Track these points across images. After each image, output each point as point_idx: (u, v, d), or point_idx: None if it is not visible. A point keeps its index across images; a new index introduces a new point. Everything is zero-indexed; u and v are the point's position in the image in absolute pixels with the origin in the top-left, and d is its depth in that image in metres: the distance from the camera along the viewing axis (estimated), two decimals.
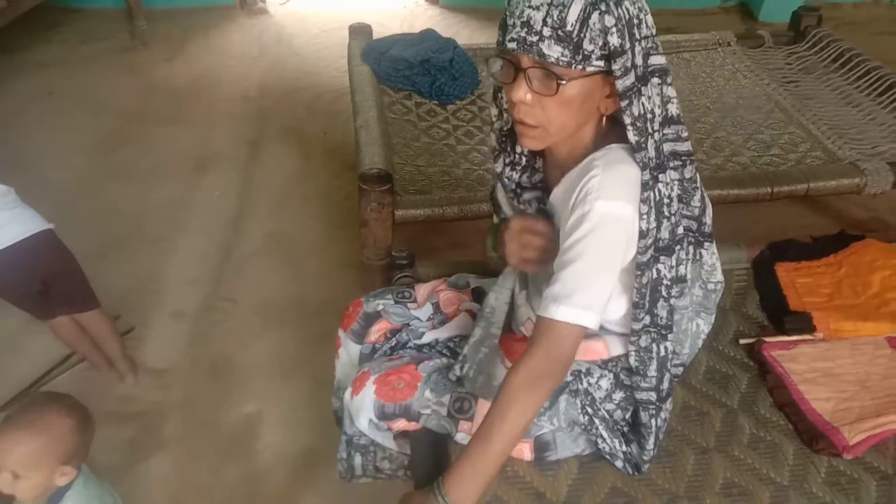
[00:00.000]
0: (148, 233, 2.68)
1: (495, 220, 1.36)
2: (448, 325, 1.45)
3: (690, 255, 1.22)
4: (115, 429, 1.98)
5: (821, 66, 2.73)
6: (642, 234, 1.11)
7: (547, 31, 1.01)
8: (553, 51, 1.01)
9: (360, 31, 2.81)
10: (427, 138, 2.35)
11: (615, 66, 1.03)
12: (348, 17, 4.17)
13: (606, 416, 1.29)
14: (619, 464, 1.31)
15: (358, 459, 1.47)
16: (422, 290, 1.53)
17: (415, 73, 2.51)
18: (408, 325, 1.48)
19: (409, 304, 1.50)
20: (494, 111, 1.23)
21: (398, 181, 2.08)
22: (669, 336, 1.21)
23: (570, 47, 1.01)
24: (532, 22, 1.01)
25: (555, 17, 1.00)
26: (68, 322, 1.98)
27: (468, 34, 4.08)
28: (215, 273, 2.53)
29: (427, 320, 1.48)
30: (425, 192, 2.11)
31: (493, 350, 1.29)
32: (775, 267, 1.75)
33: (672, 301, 1.20)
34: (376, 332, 1.49)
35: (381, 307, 1.50)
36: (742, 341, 1.59)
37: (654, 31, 1.07)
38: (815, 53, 2.78)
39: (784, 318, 1.61)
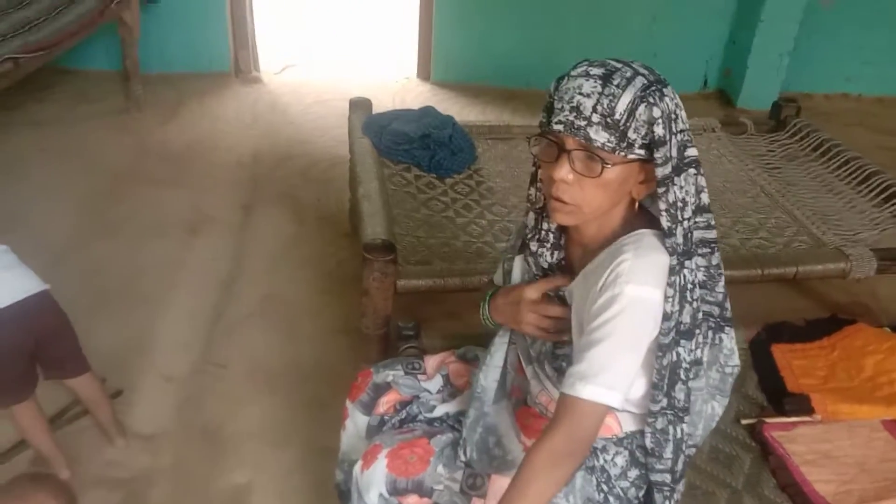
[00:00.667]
0: (139, 293, 2.66)
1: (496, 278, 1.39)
2: (459, 399, 1.45)
3: (709, 339, 1.26)
4: (102, 494, 1.92)
5: (802, 154, 2.85)
6: (666, 317, 1.14)
7: (596, 118, 1.07)
8: (600, 136, 1.08)
9: (360, 105, 2.88)
10: (427, 210, 2.40)
11: (657, 155, 1.10)
12: (342, 88, 4.34)
13: (621, 493, 1.29)
14: None
15: None
16: (431, 362, 1.54)
17: (414, 147, 2.58)
18: (418, 397, 1.48)
19: (419, 376, 1.51)
20: (532, 192, 1.27)
21: (400, 251, 2.10)
22: (686, 418, 1.24)
23: (617, 134, 1.07)
24: (582, 108, 1.08)
25: (605, 106, 1.06)
26: (32, 412, 1.88)
27: (457, 110, 4.20)
28: (206, 336, 2.51)
29: (437, 392, 1.49)
30: (426, 262, 2.14)
31: (490, 429, 1.31)
32: (771, 348, 1.79)
33: (690, 384, 1.22)
34: (385, 403, 1.48)
35: (391, 378, 1.50)
36: (743, 422, 1.62)
37: (688, 126, 1.14)
38: (797, 142, 2.92)
39: (783, 399, 1.64)
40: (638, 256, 1.13)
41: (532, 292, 1.28)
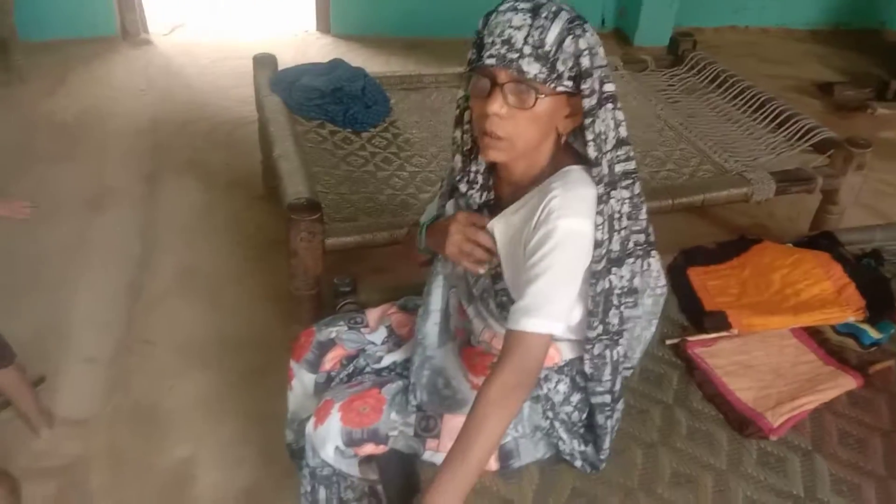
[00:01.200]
0: (48, 277, 2.53)
1: (424, 218, 1.41)
2: (405, 347, 1.47)
3: (640, 267, 1.32)
4: (36, 486, 1.85)
5: (700, 87, 2.98)
6: (597, 245, 1.19)
7: (528, 50, 1.09)
8: (532, 67, 1.10)
9: (264, 62, 2.80)
10: (346, 166, 2.38)
11: (584, 87, 1.13)
12: (238, 47, 4.18)
13: (566, 418, 1.36)
14: (577, 464, 1.38)
15: (322, 493, 1.45)
16: (373, 315, 1.56)
17: (327, 101, 2.54)
18: (363, 350, 1.50)
19: (362, 329, 1.52)
20: (458, 134, 1.28)
21: (324, 210, 2.08)
22: (620, 341, 1.31)
23: (547, 66, 1.10)
24: (513, 40, 1.09)
25: (535, 37, 1.08)
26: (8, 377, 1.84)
27: (361, 62, 4.06)
28: (126, 314, 2.42)
29: (382, 344, 1.51)
30: (352, 219, 2.13)
31: (437, 371, 1.35)
32: (688, 272, 1.90)
33: (623, 310, 1.29)
34: (331, 359, 1.49)
35: (334, 334, 1.51)
36: (668, 342, 1.72)
37: (606, 62, 1.18)
38: (694, 75, 3.04)
39: (702, 318, 1.75)
40: (567, 191, 1.17)
41: (461, 216, 1.29)
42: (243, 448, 1.99)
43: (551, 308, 1.15)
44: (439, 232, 1.32)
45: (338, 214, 2.13)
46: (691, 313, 1.80)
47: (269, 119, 2.47)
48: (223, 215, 2.89)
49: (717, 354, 1.68)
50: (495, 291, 1.31)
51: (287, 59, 3.81)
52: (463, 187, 1.33)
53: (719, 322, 1.74)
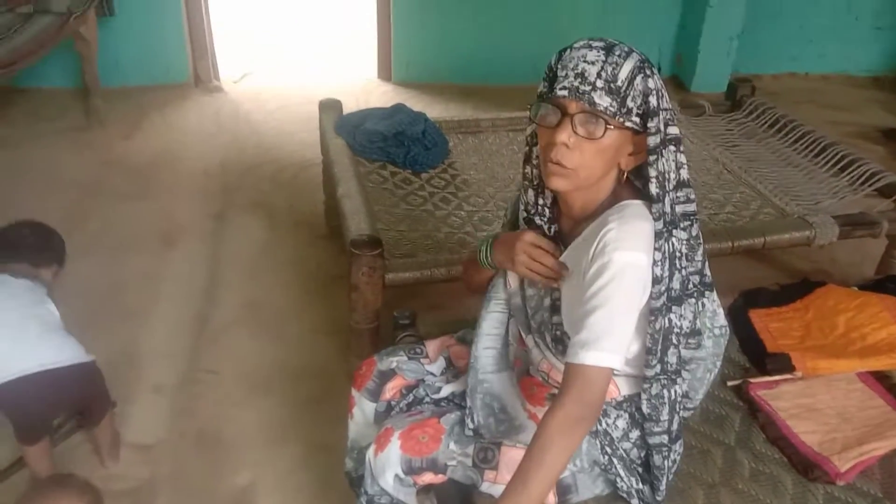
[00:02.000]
0: (122, 308, 2.64)
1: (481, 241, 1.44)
2: (462, 378, 1.50)
3: (698, 308, 1.33)
4: None
5: (760, 131, 2.98)
6: (656, 280, 1.21)
7: (600, 83, 1.14)
8: (603, 100, 1.14)
9: (330, 106, 2.92)
10: (406, 205, 2.44)
11: (650, 125, 1.17)
12: (303, 93, 4.35)
13: (624, 454, 1.36)
14: (634, 502, 1.37)
15: None
16: (432, 346, 1.59)
17: (389, 144, 2.63)
18: (423, 380, 1.53)
19: (422, 360, 1.56)
20: (528, 170, 1.33)
21: (385, 246, 2.14)
22: (678, 380, 1.31)
23: (618, 100, 1.15)
24: (587, 74, 1.14)
25: (608, 72, 1.14)
26: (42, 448, 1.89)
27: (421, 108, 4.22)
28: (193, 345, 2.51)
29: (441, 375, 1.54)
30: (411, 255, 2.19)
31: (492, 396, 1.38)
32: (749, 313, 1.88)
33: (682, 350, 1.30)
34: (391, 389, 1.53)
35: (395, 364, 1.54)
36: (729, 383, 1.70)
37: (671, 105, 1.22)
38: (753, 120, 3.04)
39: (765, 359, 1.73)
40: (622, 224, 1.20)
41: (529, 236, 1.33)
42: (302, 475, 2.03)
43: (610, 340, 1.17)
44: (506, 245, 1.35)
45: (397, 251, 2.18)
46: (753, 355, 1.78)
47: (333, 160, 2.57)
48: (286, 252, 2.99)
49: (781, 397, 1.65)
50: (552, 325, 1.34)
51: (350, 105, 3.94)
52: (537, 220, 1.37)
53: (783, 364, 1.71)
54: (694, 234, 1.29)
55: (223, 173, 3.63)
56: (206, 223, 3.21)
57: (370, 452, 1.40)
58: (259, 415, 2.24)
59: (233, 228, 3.18)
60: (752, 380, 1.69)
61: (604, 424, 1.36)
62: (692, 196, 1.27)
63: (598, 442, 1.36)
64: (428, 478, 1.36)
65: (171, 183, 3.52)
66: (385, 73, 4.61)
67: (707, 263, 1.35)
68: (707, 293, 1.36)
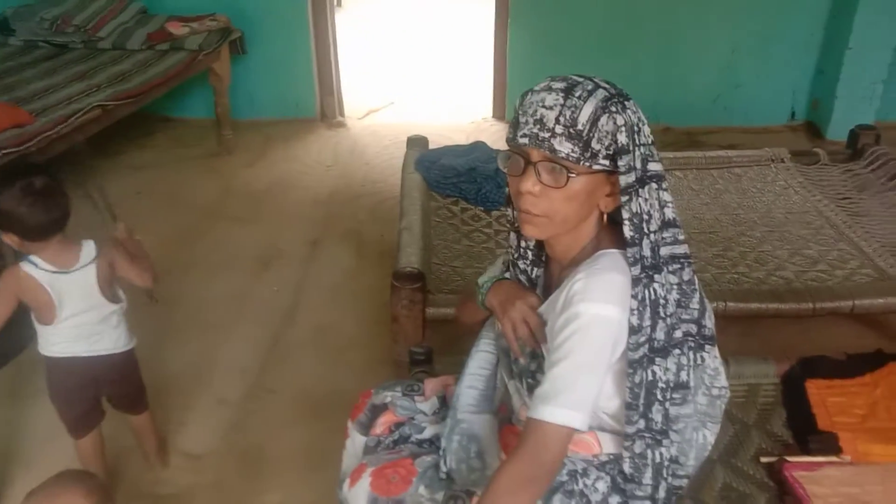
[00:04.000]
0: (207, 322, 2.82)
1: (484, 279, 1.39)
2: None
3: (691, 361, 1.21)
4: None
5: (877, 184, 2.68)
6: (633, 331, 1.12)
7: (559, 129, 1.09)
8: (564, 147, 1.09)
9: (416, 142, 2.98)
10: (468, 241, 2.43)
11: (621, 163, 1.10)
12: (417, 129, 4.42)
13: None
14: None
15: None
16: (430, 385, 1.56)
17: (462, 180, 2.64)
18: (412, 418, 1.50)
19: (416, 398, 1.53)
20: (510, 212, 1.28)
21: (433, 281, 2.15)
22: (664, 441, 1.20)
23: (580, 145, 1.09)
24: (545, 120, 1.10)
25: (567, 117, 1.08)
26: (93, 443, 2.00)
27: None
28: (262, 362, 2.62)
29: (432, 414, 1.50)
30: (459, 292, 2.16)
31: (470, 437, 1.31)
32: (806, 384, 1.68)
33: (668, 406, 1.18)
34: (381, 424, 1.51)
35: (388, 399, 1.53)
36: (763, 459, 1.52)
37: (651, 140, 1.14)
38: (872, 171, 2.75)
39: (809, 437, 1.53)
40: (591, 275, 1.13)
41: (534, 299, 1.28)
42: (329, 503, 2.04)
43: (570, 396, 1.09)
44: (504, 294, 1.30)
45: (446, 286, 2.18)
46: (799, 430, 1.59)
47: (405, 194, 2.62)
48: (365, 282, 3.06)
49: (821, 482, 1.45)
50: (530, 372, 1.27)
51: (458, 141, 4.04)
52: (521, 263, 1.32)
53: (828, 444, 1.52)
54: (686, 278, 1.18)
55: (329, 203, 3.80)
56: (302, 249, 3.36)
57: (345, 486, 1.39)
58: (305, 438, 2.29)
59: (325, 255, 3.31)
60: (789, 458, 1.50)
61: (580, 484, 1.26)
62: (681, 236, 1.18)
63: (573, 503, 1.26)
64: None
65: (281, 209, 3.73)
66: (499, 111, 4.65)
67: (709, 313, 1.23)
68: (707, 347, 1.23)
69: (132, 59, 3.50)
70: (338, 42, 4.64)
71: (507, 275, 1.38)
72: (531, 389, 1.27)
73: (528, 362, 1.27)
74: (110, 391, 2.00)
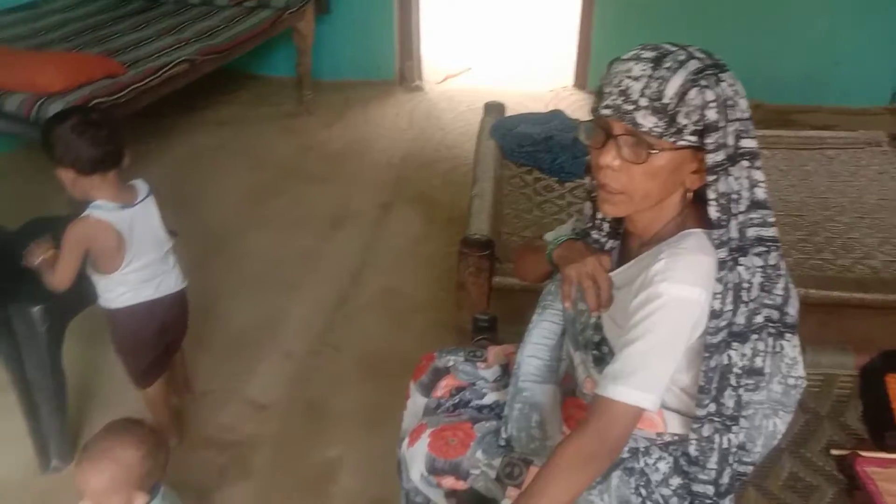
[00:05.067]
0: (278, 278, 2.89)
1: (553, 235, 1.36)
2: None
3: (769, 347, 1.16)
4: (211, 454, 2.11)
5: None
6: (714, 315, 1.08)
7: (644, 102, 1.04)
8: (647, 121, 1.04)
9: (493, 109, 2.94)
10: (539, 212, 2.40)
11: (708, 141, 1.05)
12: (495, 96, 4.36)
13: (661, 500, 1.23)
14: None
15: None
16: (493, 352, 1.55)
17: (538, 149, 2.59)
18: (473, 384, 1.50)
19: (478, 364, 1.53)
20: (588, 180, 1.25)
21: (501, 249, 2.12)
22: (734, 428, 1.16)
23: (665, 119, 1.04)
24: (629, 91, 1.05)
25: (653, 89, 1.03)
26: (161, 392, 2.06)
27: None
28: (328, 320, 2.68)
29: (493, 381, 1.50)
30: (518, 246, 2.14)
31: (532, 406, 1.30)
32: (886, 378, 1.59)
33: (741, 392, 1.14)
34: (443, 387, 1.51)
35: (451, 363, 1.53)
36: (834, 452, 1.46)
37: (748, 115, 1.08)
38: None
39: (886, 432, 1.46)
40: (675, 255, 1.09)
41: (606, 258, 1.24)
42: (386, 462, 2.04)
43: (643, 377, 1.07)
44: (575, 252, 1.26)
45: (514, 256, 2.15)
46: (875, 425, 1.51)
47: (479, 160, 2.59)
48: (433, 247, 3.07)
49: (895, 479, 1.38)
50: (595, 343, 1.25)
51: (537, 110, 3.97)
52: (594, 234, 1.29)
53: None
54: (772, 262, 1.13)
55: (402, 166, 3.81)
56: (374, 211, 3.40)
57: (404, 445, 1.40)
58: (366, 396, 2.33)
59: (395, 218, 3.34)
60: (863, 453, 1.43)
61: (641, 463, 1.24)
62: (770, 219, 1.11)
63: (632, 481, 1.24)
64: (449, 482, 1.34)
65: (355, 171, 3.77)
66: (581, 81, 4.54)
67: (793, 300, 1.17)
68: (788, 335, 1.18)
69: (220, 16, 3.57)
70: (420, 5, 4.61)
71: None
72: (597, 362, 1.25)
73: (591, 333, 1.25)
74: (174, 333, 2.03)
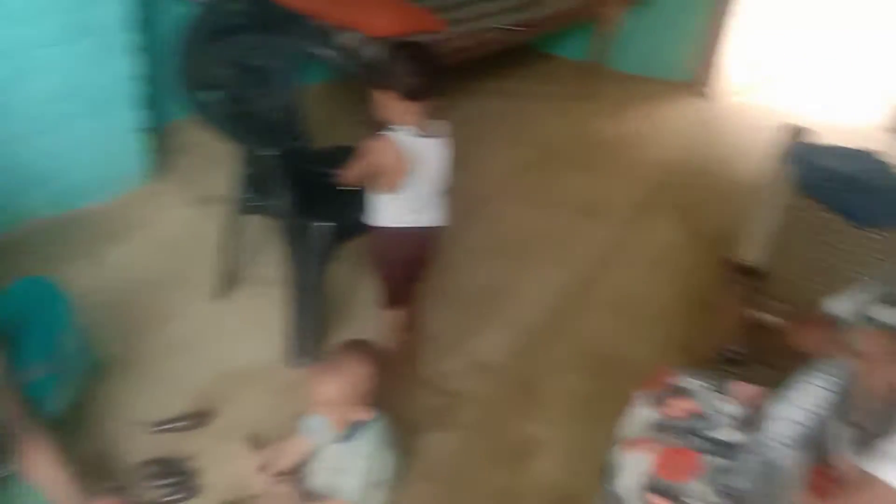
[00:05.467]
0: (523, 251, 2.93)
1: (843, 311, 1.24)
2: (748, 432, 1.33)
3: None
4: (427, 396, 2.21)
5: None
6: None
7: None
8: None
9: (796, 133, 2.68)
10: (820, 253, 2.15)
11: None
12: (792, 119, 4.04)
13: None
14: None
15: None
16: (743, 390, 1.44)
17: (837, 186, 2.31)
18: (710, 414, 1.40)
19: (721, 396, 1.43)
20: None
21: (770, 284, 1.95)
22: None
23: None
24: None
25: None
26: (399, 319, 2.15)
27: None
28: (563, 304, 2.67)
29: (732, 418, 1.39)
30: (786, 301, 1.94)
31: (774, 468, 1.18)
32: None
33: None
34: (676, 406, 1.44)
35: (694, 387, 1.45)
36: None
37: None
38: None
39: None
40: None
41: None
42: (584, 456, 2.00)
43: None
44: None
45: (781, 293, 1.96)
46: None
47: (768, 184, 2.39)
48: (688, 261, 2.93)
49: None
50: (863, 427, 1.10)
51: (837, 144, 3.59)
52: None
53: None
54: None
55: (669, 171, 3.67)
56: (629, 209, 3.31)
57: (618, 449, 1.36)
58: (581, 387, 2.30)
59: (649, 221, 3.25)
60: None
61: None
62: None
63: None
64: (659, 503, 1.27)
65: (619, 165, 3.70)
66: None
67: None
68: None
69: None
70: (734, 11, 4.32)
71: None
72: (860, 441, 1.10)
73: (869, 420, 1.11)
74: (420, 265, 2.10)
